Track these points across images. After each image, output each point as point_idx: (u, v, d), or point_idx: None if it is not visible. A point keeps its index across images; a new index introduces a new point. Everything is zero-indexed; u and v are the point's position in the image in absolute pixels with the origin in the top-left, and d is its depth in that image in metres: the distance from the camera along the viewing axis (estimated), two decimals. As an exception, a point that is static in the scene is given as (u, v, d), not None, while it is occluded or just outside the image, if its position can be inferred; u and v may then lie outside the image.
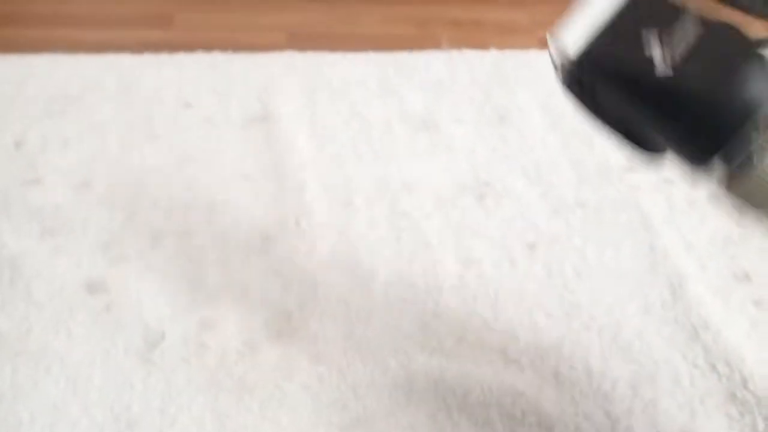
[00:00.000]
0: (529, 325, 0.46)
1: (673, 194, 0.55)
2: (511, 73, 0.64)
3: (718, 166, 0.28)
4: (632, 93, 0.29)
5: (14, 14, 0.68)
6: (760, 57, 0.29)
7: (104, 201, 0.51)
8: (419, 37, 0.67)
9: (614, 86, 0.29)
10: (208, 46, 0.63)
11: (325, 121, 0.59)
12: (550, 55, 0.30)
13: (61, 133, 0.56)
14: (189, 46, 0.63)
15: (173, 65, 0.62)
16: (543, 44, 0.29)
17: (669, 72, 0.28)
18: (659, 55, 0.28)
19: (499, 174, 0.55)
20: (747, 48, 0.29)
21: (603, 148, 0.58)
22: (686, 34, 0.29)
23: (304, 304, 0.46)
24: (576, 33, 0.29)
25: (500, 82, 0.63)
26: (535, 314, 0.46)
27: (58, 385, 0.41)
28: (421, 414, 0.41)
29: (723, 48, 0.29)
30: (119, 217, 0.50)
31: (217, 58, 0.63)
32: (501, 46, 0.67)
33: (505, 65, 0.65)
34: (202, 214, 0.51)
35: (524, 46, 0.67)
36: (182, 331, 0.44)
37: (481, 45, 0.67)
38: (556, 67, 0.30)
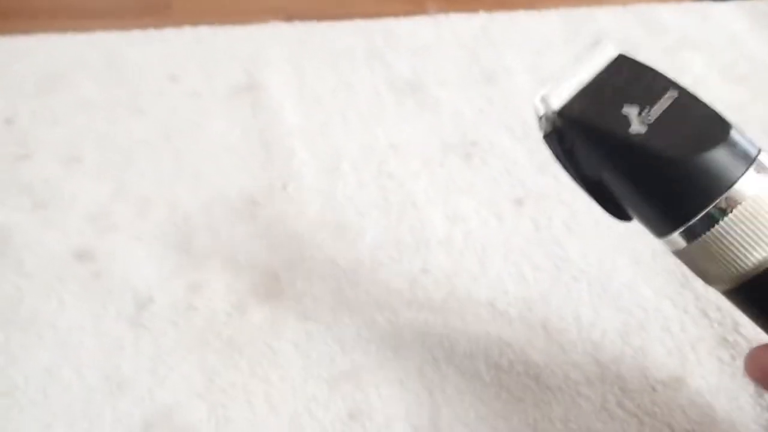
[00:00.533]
0: (517, 278, 0.45)
1: (662, 147, 0.55)
2: (499, 35, 0.64)
3: (678, 239, 0.30)
4: (605, 149, 0.30)
5: (8, 6, 0.68)
6: (732, 137, 0.29)
7: (93, 174, 0.52)
8: (412, 13, 0.67)
9: (589, 140, 0.30)
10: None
11: (312, 89, 0.59)
12: (536, 110, 0.31)
13: (50, 110, 0.56)
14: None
15: (159, 41, 0.62)
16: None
17: (642, 130, 0.29)
18: (635, 113, 0.29)
19: (485, 133, 0.55)
20: (722, 126, 0.30)
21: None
22: (663, 101, 0.30)
23: (292, 265, 0.46)
24: (563, 89, 0.31)
25: (487, 44, 0.63)
26: (523, 267, 0.46)
27: (50, 350, 0.42)
28: (409, 367, 0.41)
29: (699, 120, 0.30)
30: (107, 189, 0.51)
31: (203, 31, 0.63)
32: (490, 8, 0.66)
33: (492, 28, 0.64)
34: (189, 184, 0.51)
35: (513, 7, 0.67)
36: (170, 295, 0.44)
37: (470, 8, 0.66)
38: (539, 119, 0.31)
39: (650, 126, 0.29)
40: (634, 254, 0.47)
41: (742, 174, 0.28)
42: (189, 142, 0.54)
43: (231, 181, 0.51)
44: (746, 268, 0.29)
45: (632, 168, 0.30)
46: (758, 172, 0.29)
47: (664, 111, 0.30)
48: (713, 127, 0.30)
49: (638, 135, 0.29)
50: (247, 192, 0.51)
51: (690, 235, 0.29)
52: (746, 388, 0.40)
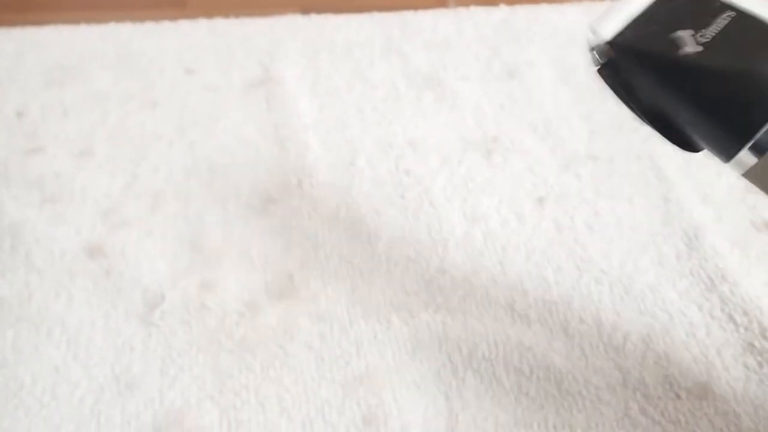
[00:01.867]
0: (537, 280, 0.44)
1: (689, 145, 0.53)
2: (521, 28, 0.62)
3: (747, 156, 0.28)
4: (660, 72, 0.29)
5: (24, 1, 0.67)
6: None
7: (104, 168, 0.51)
8: (431, 6, 0.65)
9: (643, 66, 0.29)
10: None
11: (327, 83, 0.58)
12: (588, 43, 0.31)
13: (61, 103, 0.55)
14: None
15: (174, 33, 0.61)
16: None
17: (696, 49, 0.28)
18: (688, 35, 0.29)
19: (507, 129, 0.54)
20: None
21: (616, 101, 0.56)
22: (718, 21, 0.29)
23: (306, 264, 0.45)
24: (613, 20, 0.30)
25: (509, 38, 0.61)
26: (544, 269, 0.45)
27: (59, 348, 0.41)
28: (426, 371, 0.40)
29: (754, 35, 0.29)
30: (119, 183, 0.50)
31: (219, 24, 0.62)
32: (511, 1, 0.65)
33: (514, 21, 0.63)
34: (203, 178, 0.50)
35: (535, 1, 0.65)
36: (182, 294, 0.43)
37: (491, 1, 0.65)
38: (591, 51, 0.31)
39: (705, 45, 0.28)
40: (658, 256, 0.45)
41: None
42: (203, 136, 0.53)
43: (245, 176, 0.50)
44: None
45: (690, 88, 0.29)
46: None
47: (720, 31, 0.29)
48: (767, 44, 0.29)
49: (692, 54, 0.28)
50: (261, 188, 0.50)
51: (759, 149, 0.28)
52: (777, 398, 0.39)
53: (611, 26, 0.30)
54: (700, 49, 0.28)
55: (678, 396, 0.39)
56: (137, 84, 0.57)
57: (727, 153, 0.29)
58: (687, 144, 0.31)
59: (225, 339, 0.41)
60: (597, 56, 0.31)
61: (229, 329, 0.42)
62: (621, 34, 0.30)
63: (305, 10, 0.63)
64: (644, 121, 0.31)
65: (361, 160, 0.52)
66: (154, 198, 0.49)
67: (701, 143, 0.31)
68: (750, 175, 0.29)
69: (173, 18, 0.63)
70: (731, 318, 0.42)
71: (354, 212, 0.48)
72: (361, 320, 0.42)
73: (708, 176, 0.51)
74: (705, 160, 0.52)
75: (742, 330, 0.42)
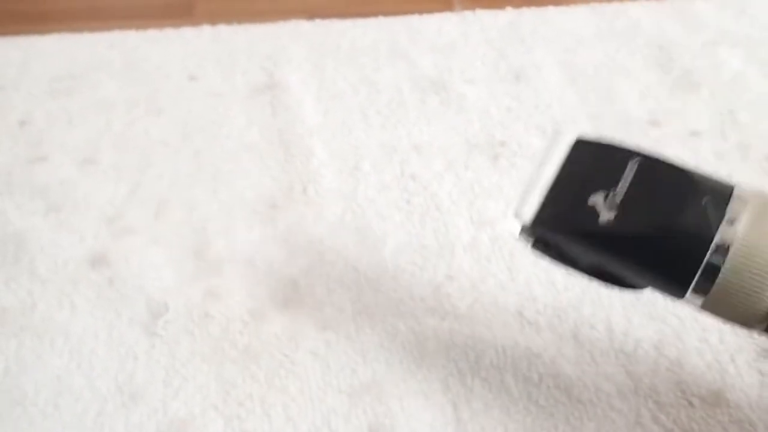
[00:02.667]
0: (546, 285, 0.43)
1: (699, 147, 0.52)
2: (527, 31, 0.62)
3: (694, 297, 0.28)
4: (585, 245, 0.29)
5: (29, 10, 0.67)
6: (699, 189, 0.29)
7: (109, 175, 0.51)
8: (437, 10, 0.65)
9: (568, 241, 0.30)
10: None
11: (332, 88, 0.57)
12: (510, 230, 0.31)
13: (65, 111, 0.55)
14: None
15: (178, 40, 0.61)
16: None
17: (611, 216, 0.28)
18: (601, 201, 0.29)
19: (513, 133, 0.53)
20: (687, 181, 0.29)
21: (624, 103, 0.56)
22: (626, 175, 0.29)
23: (311, 272, 0.44)
24: (529, 199, 0.30)
25: (516, 41, 0.61)
26: (552, 273, 0.44)
27: (62, 358, 0.41)
28: (433, 379, 0.39)
29: (662, 182, 0.29)
30: (123, 191, 0.49)
31: (223, 30, 0.62)
32: (517, 4, 0.64)
33: (520, 23, 0.62)
34: (208, 185, 0.50)
35: (542, 2, 0.64)
36: (186, 302, 0.43)
37: (497, 4, 0.64)
38: (519, 235, 0.31)
39: (619, 207, 0.29)
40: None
41: (723, 218, 0.27)
42: (208, 143, 0.53)
43: (250, 183, 0.50)
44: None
45: (619, 253, 0.29)
46: (738, 209, 0.27)
47: (629, 186, 0.29)
48: (677, 185, 0.29)
49: (608, 223, 0.28)
50: (267, 194, 0.49)
51: (702, 291, 0.28)
52: (793, 405, 0.38)
53: (529, 207, 0.30)
54: (614, 213, 0.29)
55: (691, 403, 0.38)
56: (142, 91, 0.57)
57: (676, 297, 0.29)
58: (635, 287, 0.31)
59: (229, 348, 0.41)
60: (525, 237, 0.31)
61: (233, 338, 0.41)
62: (538, 216, 0.30)
63: (310, 16, 0.63)
64: (589, 279, 0.31)
65: (366, 164, 0.51)
66: (158, 205, 0.49)
67: (650, 287, 0.31)
68: (705, 308, 0.29)
69: (178, 26, 0.63)
70: (745, 323, 0.41)
71: (359, 218, 0.48)
72: (367, 328, 0.41)
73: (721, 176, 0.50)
74: (716, 161, 0.51)
75: (755, 335, 0.41)
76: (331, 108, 0.55)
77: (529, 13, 0.64)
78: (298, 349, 0.41)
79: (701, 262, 0.27)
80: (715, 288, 0.27)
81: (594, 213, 0.29)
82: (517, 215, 0.30)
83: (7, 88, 0.57)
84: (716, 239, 0.27)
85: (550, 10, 0.64)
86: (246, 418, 0.38)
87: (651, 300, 0.43)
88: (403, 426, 0.38)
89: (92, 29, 0.62)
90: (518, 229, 0.31)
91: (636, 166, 0.29)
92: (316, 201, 0.49)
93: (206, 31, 0.62)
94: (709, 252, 0.27)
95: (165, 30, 0.62)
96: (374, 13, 0.63)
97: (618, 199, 0.29)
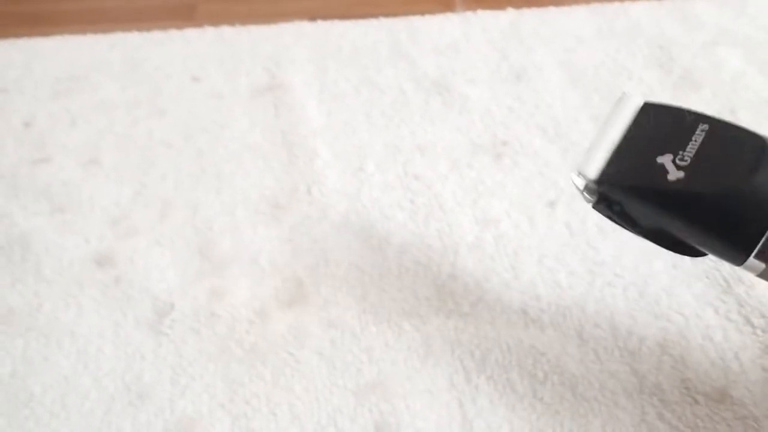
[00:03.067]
0: (550, 284, 0.44)
1: (701, 146, 0.52)
2: (529, 31, 0.62)
3: (755, 263, 0.29)
4: (653, 203, 0.30)
5: (32, 13, 0.67)
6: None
7: (112, 176, 0.51)
8: (438, 11, 0.65)
9: (634, 199, 0.30)
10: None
11: (335, 88, 0.57)
12: (574, 184, 0.31)
13: (68, 113, 0.55)
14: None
15: (180, 41, 0.61)
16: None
17: (680, 175, 0.29)
18: (669, 160, 0.29)
19: (516, 133, 0.53)
20: (757, 144, 0.29)
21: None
22: (695, 138, 0.30)
23: (315, 271, 0.45)
24: (595, 157, 0.31)
25: (517, 41, 0.61)
26: (556, 273, 0.44)
27: (68, 358, 0.41)
28: (438, 377, 0.40)
29: (731, 145, 0.29)
30: (128, 192, 0.50)
31: (225, 31, 0.62)
32: (518, 5, 0.65)
33: (521, 24, 0.62)
34: (211, 186, 0.50)
35: (542, 4, 0.65)
36: (192, 302, 0.43)
37: (498, 5, 0.64)
38: (581, 193, 0.31)
39: (687, 168, 0.29)
40: (672, 258, 0.45)
41: None
42: (211, 143, 0.53)
43: (254, 184, 0.50)
44: None
45: (684, 212, 0.29)
46: None
47: (698, 148, 0.29)
48: (749, 149, 0.29)
49: (677, 182, 0.29)
50: (270, 194, 0.49)
51: (764, 257, 0.28)
52: (797, 401, 0.38)
53: (595, 164, 0.31)
54: (682, 174, 0.29)
55: (695, 401, 0.38)
56: (144, 92, 0.57)
57: (735, 263, 0.30)
58: (693, 252, 0.32)
59: (235, 347, 0.41)
60: (587, 195, 0.31)
61: (239, 337, 0.41)
62: (605, 172, 0.30)
63: (312, 17, 0.63)
64: (649, 240, 0.32)
65: (369, 165, 0.51)
66: (162, 206, 0.49)
67: (709, 253, 0.31)
68: (764, 276, 0.30)
69: (180, 27, 0.63)
70: (748, 320, 0.41)
71: (363, 218, 0.48)
72: (372, 326, 0.42)
73: None
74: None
75: (759, 332, 0.41)
76: (333, 109, 0.56)
77: (529, 14, 0.64)
78: (303, 348, 0.41)
79: (767, 227, 0.27)
80: None
81: (663, 171, 0.29)
82: (581, 172, 0.31)
83: (11, 90, 0.57)
84: None
85: (551, 11, 0.64)
86: (252, 417, 0.38)
87: (655, 299, 0.43)
88: (408, 424, 0.38)
89: (94, 31, 0.63)
90: (583, 185, 0.31)
91: (706, 129, 0.30)
92: (321, 201, 0.49)
93: (208, 32, 0.62)
94: None
95: (167, 31, 0.62)
96: (376, 14, 0.63)
97: (687, 159, 0.29)
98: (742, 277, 0.44)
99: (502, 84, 0.57)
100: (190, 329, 0.42)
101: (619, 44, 0.60)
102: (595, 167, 0.31)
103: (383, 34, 0.61)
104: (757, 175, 0.28)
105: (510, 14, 0.64)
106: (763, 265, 0.29)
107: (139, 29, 0.63)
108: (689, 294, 0.43)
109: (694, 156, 0.29)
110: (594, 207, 0.32)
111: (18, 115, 0.55)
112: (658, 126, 0.31)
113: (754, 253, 0.28)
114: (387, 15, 0.63)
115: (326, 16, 0.63)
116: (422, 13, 0.63)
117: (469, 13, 0.63)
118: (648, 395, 0.39)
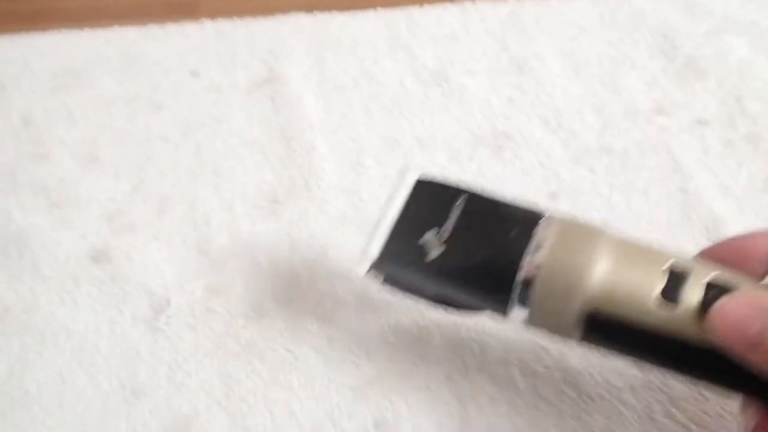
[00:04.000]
0: (551, 277, 0.43)
1: (706, 136, 0.51)
2: (529, 21, 0.61)
3: (517, 312, 0.32)
4: (422, 277, 0.33)
5: (28, 8, 0.66)
6: (514, 218, 0.33)
7: (110, 172, 0.50)
8: (437, 0, 0.64)
9: (411, 276, 0.34)
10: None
11: (333, 81, 0.57)
12: (361, 268, 0.35)
13: (66, 108, 0.55)
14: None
15: (178, 35, 0.61)
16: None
17: (440, 251, 0.32)
18: (433, 236, 0.33)
19: (517, 124, 0.53)
20: (501, 212, 0.33)
21: (630, 92, 0.55)
22: (453, 211, 0.33)
23: (313, 266, 0.44)
24: (376, 239, 0.34)
25: (517, 32, 0.60)
26: (557, 265, 0.43)
27: (64, 356, 0.40)
28: (437, 373, 0.39)
29: (486, 216, 0.33)
30: (125, 188, 0.49)
31: (223, 25, 0.62)
32: (518, -5, 0.64)
33: (521, 13, 0.62)
34: (209, 181, 0.50)
35: (543, -7, 0.64)
36: (188, 298, 0.43)
37: (498, -4, 0.63)
38: (367, 275, 0.35)
39: (447, 242, 0.32)
40: (677, 248, 0.44)
41: (530, 243, 0.31)
42: (209, 138, 0.53)
43: (252, 179, 0.50)
44: (575, 308, 0.30)
45: (446, 283, 0.33)
46: (543, 234, 0.31)
47: (456, 222, 0.33)
48: (495, 218, 0.33)
49: (436, 258, 0.32)
50: (268, 189, 0.49)
51: (520, 309, 0.31)
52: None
53: (375, 247, 0.34)
54: (443, 249, 0.32)
55: (704, 396, 0.37)
56: (142, 87, 0.57)
57: (504, 315, 0.32)
58: (471, 309, 0.35)
59: (232, 343, 0.41)
60: (374, 275, 0.35)
61: (235, 333, 0.41)
62: (383, 254, 0.34)
63: (309, 9, 0.62)
64: (439, 307, 0.35)
65: (368, 158, 0.51)
66: (159, 201, 0.48)
67: (489, 311, 0.34)
68: (529, 324, 0.32)
69: (178, 21, 0.62)
70: (754, 313, 0.41)
71: (362, 212, 0.47)
72: (371, 322, 0.41)
73: (728, 167, 0.49)
74: (724, 150, 0.51)
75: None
76: (332, 101, 0.55)
77: (530, 3, 0.63)
78: (301, 344, 0.40)
79: (513, 284, 0.31)
80: (530, 306, 0.31)
81: (427, 248, 0.32)
82: (366, 255, 0.34)
83: (8, 86, 0.57)
84: (525, 262, 0.30)
85: (552, 0, 0.63)
86: (249, 414, 0.38)
87: (658, 291, 0.42)
88: (407, 420, 0.37)
89: (92, 27, 0.62)
90: (368, 267, 0.34)
91: (462, 204, 0.33)
92: (319, 195, 0.48)
93: (207, 26, 0.62)
94: (520, 273, 0.30)
95: (165, 26, 0.62)
96: (373, 5, 0.63)
97: (446, 235, 0.33)
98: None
99: (502, 75, 0.57)
100: (186, 325, 0.41)
101: (621, 33, 0.59)
102: (375, 250, 0.34)
103: (381, 25, 0.61)
104: (499, 241, 0.31)
105: (510, 4, 0.63)
106: (523, 317, 0.31)
107: (137, 24, 0.62)
108: (694, 286, 0.42)
109: (452, 230, 0.32)
110: (382, 284, 0.35)
111: (16, 111, 0.55)
112: (426, 202, 0.34)
113: (511, 308, 0.31)
114: (385, 6, 0.62)
115: (324, 6, 0.62)
116: (420, 2, 0.62)
117: (467, 4, 0.62)
118: (655, 392, 0.38)
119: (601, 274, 0.29)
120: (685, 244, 0.44)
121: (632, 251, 0.31)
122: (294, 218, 0.47)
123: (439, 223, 0.33)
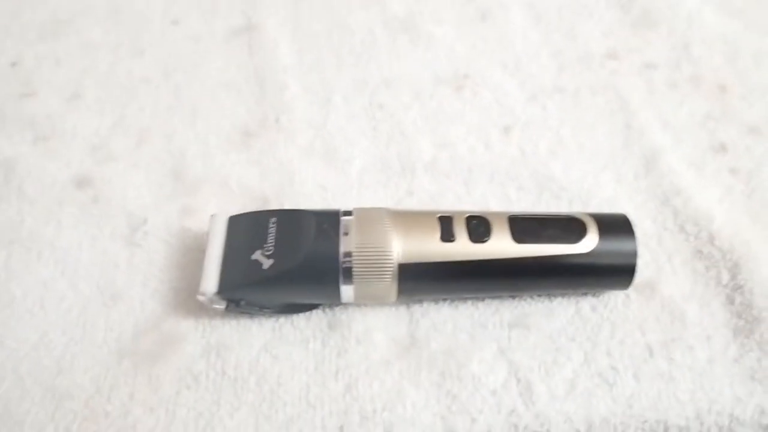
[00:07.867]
0: (501, 197, 0.46)
1: (653, 78, 0.55)
2: (495, -24, 0.64)
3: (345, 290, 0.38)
4: (261, 289, 0.38)
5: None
6: (319, 218, 0.39)
7: (94, 109, 0.54)
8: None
9: (250, 292, 0.38)
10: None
11: (307, 30, 0.60)
12: (202, 302, 0.39)
13: (53, 54, 0.58)
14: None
15: (162, -13, 0.64)
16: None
17: (271, 262, 0.37)
18: (260, 254, 0.37)
19: (478, 68, 0.56)
20: (307, 217, 0.39)
21: (586, 39, 0.58)
22: (269, 230, 0.38)
23: (282, 190, 0.47)
24: (209, 275, 0.39)
25: (483, -14, 0.63)
26: (507, 187, 0.47)
27: (48, 267, 0.44)
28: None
29: (296, 226, 0.38)
30: (107, 123, 0.52)
31: (204, -22, 0.65)
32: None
33: (488, -31, 0.65)
34: (187, 117, 0.53)
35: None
36: (164, 217, 0.46)
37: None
38: (211, 306, 0.39)
39: (273, 255, 0.37)
40: (617, 174, 0.47)
41: (339, 233, 0.37)
42: (187, 80, 0.56)
43: (226, 115, 0.53)
44: (388, 272, 0.37)
45: (284, 288, 0.38)
46: (348, 224, 0.38)
47: (275, 237, 0.38)
48: (304, 224, 0.38)
49: (270, 268, 0.37)
50: (241, 124, 0.52)
51: (349, 288, 0.38)
52: (718, 295, 0.41)
53: (211, 280, 0.38)
54: (272, 261, 0.37)
55: (627, 296, 0.41)
56: (126, 35, 0.60)
57: (336, 302, 0.40)
58: (308, 308, 0.41)
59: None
60: (217, 306, 0.39)
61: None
62: (221, 282, 0.38)
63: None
64: (282, 314, 0.40)
65: (336, 97, 0.54)
66: (139, 134, 0.52)
67: (329, 303, 0.40)
68: (357, 301, 0.39)
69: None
70: (682, 228, 0.44)
71: (328, 143, 0.50)
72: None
73: (671, 105, 0.53)
74: (668, 91, 0.54)
75: (691, 239, 0.43)
76: (305, 48, 0.58)
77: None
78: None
79: (337, 271, 0.37)
80: (355, 284, 0.37)
81: (258, 264, 0.37)
82: (203, 291, 0.38)
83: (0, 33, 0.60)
84: (341, 249, 0.37)
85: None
86: (215, 316, 0.41)
87: (597, 208, 0.45)
88: (360, 321, 0.40)
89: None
90: (209, 300, 0.38)
91: (276, 221, 0.39)
92: (288, 129, 0.51)
93: (189, -20, 0.65)
94: (341, 259, 0.37)
95: (149, -21, 0.65)
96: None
97: (270, 249, 0.37)
98: (680, 190, 0.46)
99: (468, 24, 0.60)
100: (161, 240, 0.45)
101: (581, -14, 0.62)
102: (212, 282, 0.38)
103: (356, -21, 0.64)
104: (313, 239, 0.37)
105: (479, -39, 0.66)
106: (351, 287, 0.37)
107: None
108: (630, 205, 0.46)
109: (275, 244, 0.37)
110: (226, 311, 0.39)
111: (6, 56, 0.58)
112: (245, 231, 0.39)
113: (340, 291, 0.38)
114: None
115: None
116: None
117: (439, -40, 0.66)
118: (584, 291, 0.41)
119: (398, 240, 0.37)
120: (624, 169, 0.48)
121: (410, 216, 0.38)
122: (264, 148, 0.50)
123: (261, 244, 0.38)
